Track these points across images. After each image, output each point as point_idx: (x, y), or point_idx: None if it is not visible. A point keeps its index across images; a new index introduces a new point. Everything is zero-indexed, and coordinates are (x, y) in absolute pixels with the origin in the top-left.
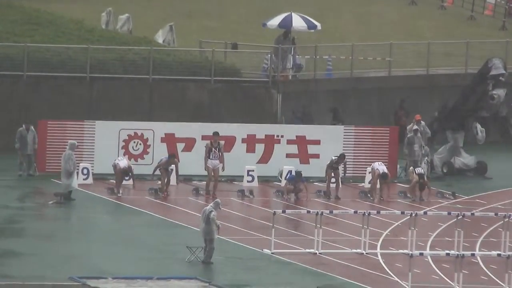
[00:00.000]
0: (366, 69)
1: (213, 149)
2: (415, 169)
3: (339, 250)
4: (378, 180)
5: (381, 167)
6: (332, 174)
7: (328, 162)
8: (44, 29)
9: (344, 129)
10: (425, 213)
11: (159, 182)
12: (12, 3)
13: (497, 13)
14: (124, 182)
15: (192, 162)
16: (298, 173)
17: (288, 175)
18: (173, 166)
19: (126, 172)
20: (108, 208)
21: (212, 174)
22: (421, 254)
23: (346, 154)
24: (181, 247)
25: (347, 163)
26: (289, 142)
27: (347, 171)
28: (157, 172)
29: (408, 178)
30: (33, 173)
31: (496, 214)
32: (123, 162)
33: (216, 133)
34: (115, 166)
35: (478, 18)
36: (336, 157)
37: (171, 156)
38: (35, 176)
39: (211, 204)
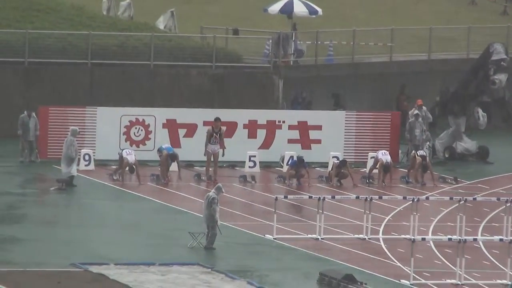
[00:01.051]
0: (367, 54)
1: (214, 134)
2: (417, 152)
3: (341, 236)
4: (382, 169)
5: (385, 157)
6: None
7: (332, 166)
8: (45, 16)
9: (346, 115)
10: (427, 198)
11: (160, 169)
12: None
13: None
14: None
15: (193, 148)
16: (300, 159)
17: (290, 160)
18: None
19: (132, 169)
20: (110, 194)
21: (212, 159)
22: (423, 239)
23: (347, 139)
24: (183, 233)
25: (348, 148)
26: (291, 127)
27: (348, 157)
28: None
29: (410, 163)
30: (35, 159)
31: (498, 199)
32: (131, 157)
33: (217, 119)
34: (121, 157)
35: (479, 2)
36: (338, 162)
37: (172, 156)
38: (37, 163)
39: (213, 190)
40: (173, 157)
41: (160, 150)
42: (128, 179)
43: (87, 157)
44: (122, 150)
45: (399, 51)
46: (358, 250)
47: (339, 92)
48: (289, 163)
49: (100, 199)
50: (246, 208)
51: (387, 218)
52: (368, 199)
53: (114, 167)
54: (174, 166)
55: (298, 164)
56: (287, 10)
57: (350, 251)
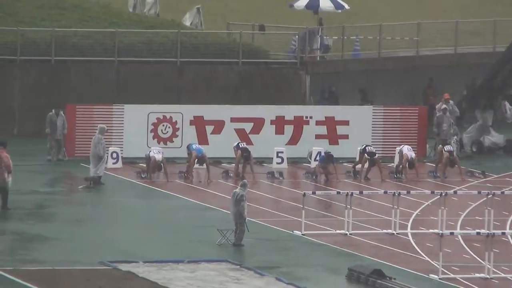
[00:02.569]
0: (394, 49)
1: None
2: (444, 147)
3: (370, 231)
4: (406, 165)
5: (409, 152)
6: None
7: (361, 147)
8: (71, 14)
9: (373, 110)
10: (455, 192)
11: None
12: None
13: None
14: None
15: (221, 145)
16: (329, 155)
17: (319, 156)
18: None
19: (159, 166)
20: (137, 192)
21: (245, 154)
22: (452, 233)
23: (375, 134)
24: (212, 230)
25: (377, 143)
26: (318, 123)
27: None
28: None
29: (438, 158)
30: (63, 157)
31: None
32: (158, 156)
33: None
34: (149, 158)
35: None
36: (365, 146)
37: (200, 159)
38: (65, 161)
39: (239, 187)
40: (201, 160)
41: (189, 149)
42: (155, 176)
43: (114, 155)
44: (150, 150)
45: (426, 45)
46: (386, 245)
47: (366, 87)
48: (319, 158)
49: (128, 197)
50: (274, 204)
51: (415, 213)
52: (396, 194)
53: (141, 165)
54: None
55: (326, 160)
56: (313, 5)
57: (379, 246)
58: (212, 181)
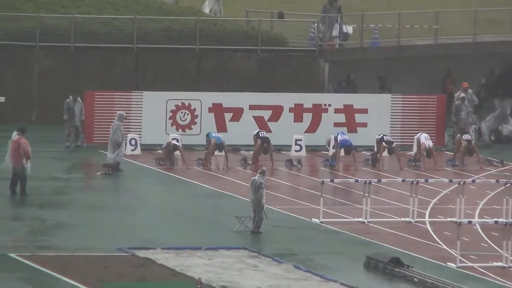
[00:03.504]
0: (412, 37)
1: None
2: (462, 136)
3: (388, 219)
4: (424, 154)
5: (427, 141)
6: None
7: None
8: (90, 0)
9: (392, 98)
10: (473, 181)
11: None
12: None
13: None
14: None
15: (239, 132)
16: (348, 148)
17: (339, 135)
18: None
19: (175, 148)
20: (156, 179)
21: (265, 145)
22: (470, 222)
23: (393, 122)
24: (230, 217)
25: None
26: (337, 111)
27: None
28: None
29: (456, 146)
30: (81, 144)
31: None
32: (175, 141)
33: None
34: (169, 144)
35: None
36: (382, 135)
37: (219, 146)
38: (83, 147)
39: (258, 174)
40: (220, 147)
41: (208, 137)
42: (174, 163)
43: (133, 142)
44: (171, 139)
45: (445, 34)
46: (404, 233)
47: (385, 75)
48: (340, 142)
49: (147, 184)
50: (292, 192)
51: (433, 201)
52: (414, 182)
53: (160, 151)
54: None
55: (346, 151)
56: None
57: (397, 234)
58: (230, 168)
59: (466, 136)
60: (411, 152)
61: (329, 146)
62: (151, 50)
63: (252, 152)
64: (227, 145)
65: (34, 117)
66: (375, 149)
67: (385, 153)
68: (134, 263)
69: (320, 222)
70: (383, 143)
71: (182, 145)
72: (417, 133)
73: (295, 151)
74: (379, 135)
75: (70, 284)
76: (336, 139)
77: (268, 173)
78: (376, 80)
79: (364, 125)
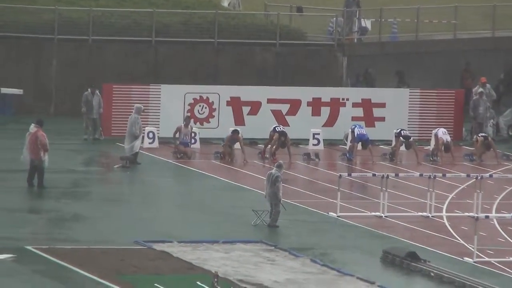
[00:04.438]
0: (431, 32)
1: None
2: (478, 135)
3: (405, 213)
4: (442, 148)
5: (445, 136)
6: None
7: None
8: None
9: (410, 92)
10: (490, 176)
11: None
12: None
13: None
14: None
15: (257, 126)
16: (365, 142)
17: (356, 128)
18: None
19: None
20: (173, 172)
21: (283, 139)
22: (487, 217)
23: (411, 117)
24: (247, 211)
25: (412, 127)
26: (355, 105)
27: (413, 135)
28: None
29: (473, 142)
30: (99, 137)
31: None
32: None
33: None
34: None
35: None
36: (400, 129)
37: (234, 132)
38: (101, 140)
39: (275, 168)
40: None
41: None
42: (192, 157)
43: (151, 135)
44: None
45: (463, 29)
46: (421, 228)
47: (403, 70)
48: (357, 135)
49: (164, 177)
50: (310, 186)
51: (451, 196)
52: (432, 177)
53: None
54: (238, 145)
55: (364, 144)
56: None
57: (414, 228)
58: (248, 162)
59: (481, 134)
60: (429, 146)
61: (346, 140)
62: (169, 43)
63: (263, 145)
64: (244, 139)
65: (52, 110)
66: (393, 144)
67: (403, 148)
68: (150, 256)
69: (337, 216)
70: (401, 137)
71: (200, 138)
72: (435, 128)
73: (313, 145)
74: (397, 129)
75: (86, 277)
76: (353, 131)
77: (285, 166)
78: (395, 74)
79: (382, 119)
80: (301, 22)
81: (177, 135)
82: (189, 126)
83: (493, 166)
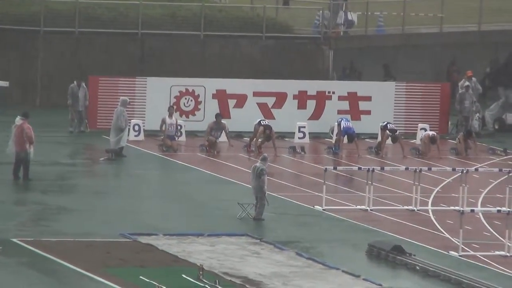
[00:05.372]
0: (417, 25)
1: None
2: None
3: (390, 207)
4: (429, 141)
5: (430, 131)
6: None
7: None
8: None
9: (396, 86)
10: (476, 169)
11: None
12: None
13: None
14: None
15: (243, 119)
16: (351, 136)
17: (342, 121)
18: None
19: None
20: (159, 165)
21: (268, 132)
22: (472, 210)
23: (397, 110)
24: (232, 204)
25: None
26: (341, 98)
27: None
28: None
29: (456, 142)
30: (84, 129)
31: None
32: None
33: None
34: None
35: None
36: (386, 123)
37: (217, 116)
38: (86, 133)
39: (259, 161)
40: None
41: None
42: (178, 150)
43: (136, 128)
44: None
45: (450, 22)
46: (407, 222)
47: (390, 63)
48: (343, 128)
49: (149, 170)
50: (295, 179)
51: (436, 190)
52: (418, 171)
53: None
54: (223, 137)
55: (350, 138)
56: None
57: (399, 222)
58: (233, 146)
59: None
60: (414, 140)
61: (332, 134)
62: (155, 36)
63: (249, 138)
64: (230, 132)
65: (38, 102)
66: (379, 137)
67: (389, 141)
68: (136, 249)
69: (322, 209)
70: (387, 131)
71: (186, 131)
72: (421, 121)
73: (299, 138)
74: (383, 122)
75: (72, 269)
76: (339, 124)
77: (270, 160)
78: (381, 68)
79: (368, 112)
80: (287, 15)
81: (163, 128)
82: (173, 117)
83: (478, 160)
